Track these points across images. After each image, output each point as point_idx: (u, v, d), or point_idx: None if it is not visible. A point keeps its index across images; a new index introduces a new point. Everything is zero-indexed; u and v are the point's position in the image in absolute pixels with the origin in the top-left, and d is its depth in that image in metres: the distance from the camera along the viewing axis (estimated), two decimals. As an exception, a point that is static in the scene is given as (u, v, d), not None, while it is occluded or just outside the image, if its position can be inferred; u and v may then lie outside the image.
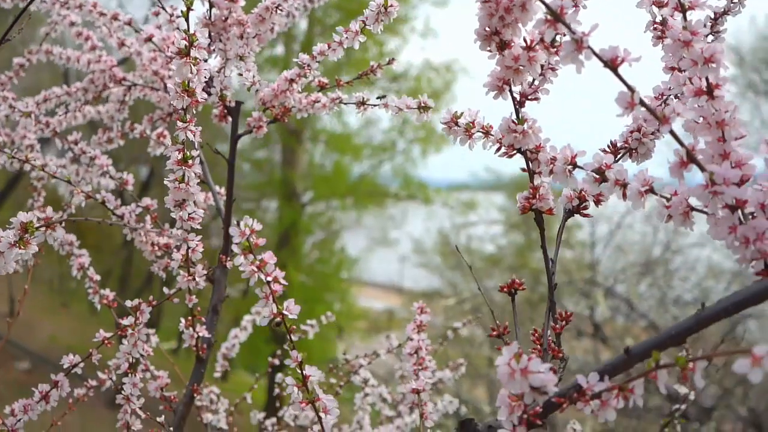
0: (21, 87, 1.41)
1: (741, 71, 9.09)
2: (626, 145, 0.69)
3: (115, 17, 1.11)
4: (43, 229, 0.68)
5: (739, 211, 0.53)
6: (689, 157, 0.52)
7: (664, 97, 0.69)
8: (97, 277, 1.10)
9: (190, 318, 0.96)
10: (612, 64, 0.51)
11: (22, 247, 0.68)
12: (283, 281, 0.63)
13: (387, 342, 1.42)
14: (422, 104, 0.83)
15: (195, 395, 0.99)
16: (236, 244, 0.61)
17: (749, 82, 9.13)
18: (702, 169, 0.51)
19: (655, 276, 6.37)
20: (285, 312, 0.63)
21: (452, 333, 1.69)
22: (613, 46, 0.51)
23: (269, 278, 0.62)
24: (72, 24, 1.22)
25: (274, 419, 1.29)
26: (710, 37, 0.73)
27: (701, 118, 0.55)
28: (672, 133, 0.51)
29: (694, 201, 0.55)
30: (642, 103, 0.51)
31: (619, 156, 0.69)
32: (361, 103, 0.95)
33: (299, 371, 0.65)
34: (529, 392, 0.51)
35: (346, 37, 0.90)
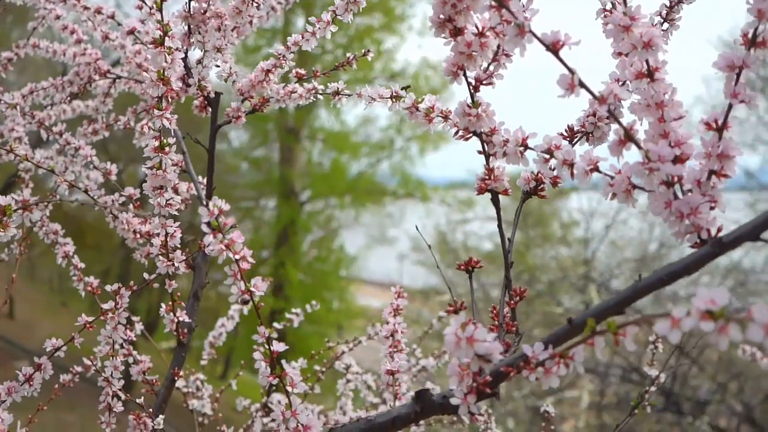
0: (19, 87, 1.43)
1: (738, 68, 9.09)
2: (582, 129, 0.71)
3: (98, 11, 1.13)
4: (21, 211, 0.71)
5: (678, 188, 0.56)
6: (627, 136, 0.54)
7: (620, 83, 0.72)
8: (82, 265, 1.13)
9: (170, 303, 0.99)
10: (553, 47, 0.54)
11: (1, 229, 0.70)
12: (250, 259, 0.66)
13: (372, 330, 1.44)
14: (394, 94, 0.86)
15: (176, 378, 1.02)
16: (205, 223, 0.64)
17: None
18: (639, 147, 0.54)
19: (651, 270, 6.39)
20: (252, 289, 0.66)
21: (438, 321, 1.72)
22: (554, 30, 0.53)
23: (237, 257, 0.65)
24: (58, 17, 1.24)
25: (258, 405, 1.32)
26: (665, 25, 0.76)
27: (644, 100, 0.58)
28: (610, 113, 0.54)
29: (636, 179, 0.58)
30: (581, 84, 0.53)
31: (576, 140, 0.72)
32: (336, 93, 0.98)
33: (267, 347, 0.68)
34: (475, 360, 0.54)
35: (319, 27, 0.93)
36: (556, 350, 0.53)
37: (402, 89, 0.81)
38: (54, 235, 1.16)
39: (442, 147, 11.85)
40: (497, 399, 0.61)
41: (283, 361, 0.68)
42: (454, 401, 0.57)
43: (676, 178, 0.54)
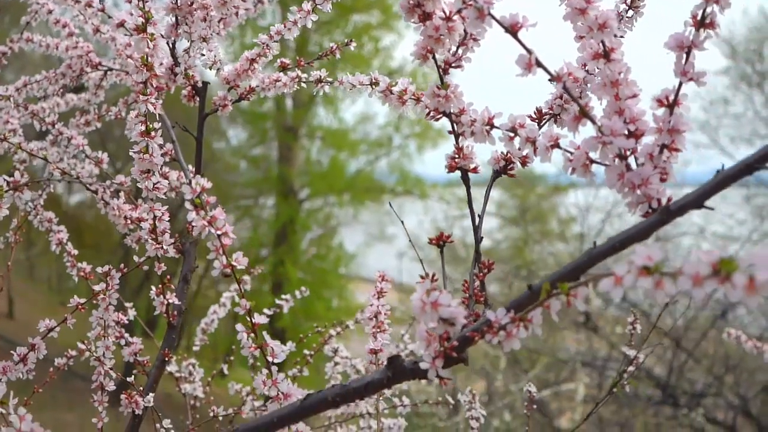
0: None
1: (734, 63, 9.14)
2: (551, 111, 0.75)
3: (89, 4, 1.16)
4: (12, 192, 0.74)
5: (633, 161, 0.59)
6: (582, 112, 0.58)
7: (586, 67, 0.75)
8: (75, 252, 1.16)
9: (160, 286, 1.02)
10: (512, 29, 0.57)
11: (-6, 209, 0.74)
12: (232, 235, 0.69)
13: (360, 315, 1.48)
14: (374, 80, 0.89)
15: (166, 359, 1.05)
16: (188, 200, 0.67)
17: (742, 73, 9.18)
18: (593, 122, 0.57)
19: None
20: (234, 263, 0.69)
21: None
22: (512, 13, 0.57)
23: (219, 232, 0.68)
24: (50, 12, 1.27)
25: (249, 388, 1.36)
26: (630, 12, 0.79)
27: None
28: (566, 90, 0.57)
29: (593, 154, 0.61)
30: (538, 63, 0.57)
31: (544, 121, 0.75)
32: (319, 81, 1.01)
33: (249, 319, 0.71)
34: (440, 324, 0.57)
35: (300, 17, 0.96)
36: (516, 314, 0.57)
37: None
38: (48, 222, 1.19)
39: (440, 144, 11.87)
40: (465, 364, 0.64)
41: (264, 333, 0.71)
42: (423, 365, 0.61)
43: (628, 152, 0.57)
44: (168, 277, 1.02)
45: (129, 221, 1.08)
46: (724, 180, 0.52)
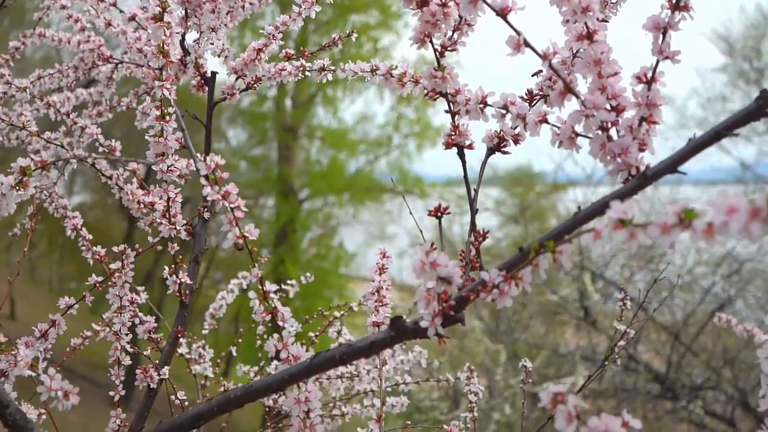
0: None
1: (731, 60, 9.19)
2: (540, 92, 0.80)
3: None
4: (39, 170, 0.80)
5: (614, 132, 0.65)
6: (567, 88, 0.63)
7: (573, 49, 0.80)
8: (90, 236, 1.21)
9: (173, 266, 1.07)
10: (503, 12, 0.62)
11: (21, 188, 0.79)
12: (244, 208, 0.74)
13: (362, 300, 1.53)
14: (374, 67, 0.94)
15: (179, 336, 1.10)
16: (203, 176, 0.72)
17: (740, 70, 9.23)
18: (577, 97, 0.63)
19: (645, 259, 6.49)
20: (246, 234, 0.74)
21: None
22: (503, -3, 0.62)
23: (233, 205, 0.73)
24: (63, 7, 1.32)
25: (257, 368, 1.41)
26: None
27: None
28: (551, 67, 0.63)
29: (578, 128, 0.66)
30: (526, 43, 0.62)
31: (535, 101, 0.80)
32: (322, 69, 1.06)
33: (260, 287, 0.76)
34: (438, 282, 0.62)
35: (304, 8, 1.01)
36: (507, 273, 0.62)
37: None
38: (63, 209, 1.24)
39: (439, 143, 11.85)
40: (462, 324, 0.69)
41: (275, 299, 0.77)
42: (423, 324, 0.66)
43: (610, 124, 0.63)
44: (180, 257, 1.08)
45: (142, 205, 1.13)
46: (695, 147, 0.58)
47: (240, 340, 1.58)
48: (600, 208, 0.61)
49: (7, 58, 1.45)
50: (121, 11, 1.23)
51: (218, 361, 1.45)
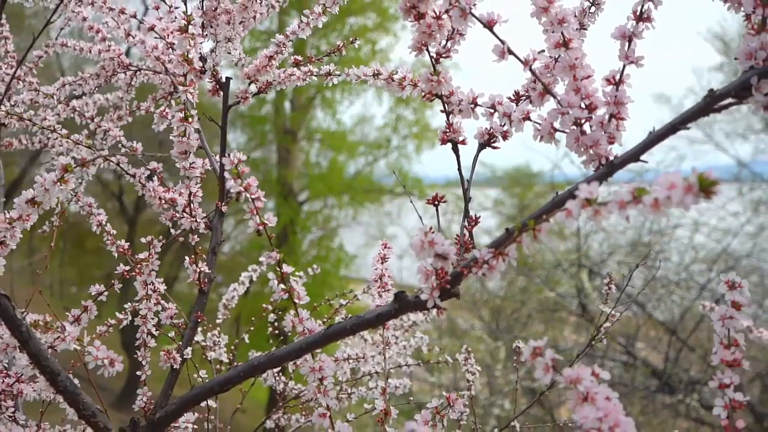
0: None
1: (727, 59, 9.29)
2: (526, 93, 0.89)
3: (122, 11, 1.31)
4: (80, 167, 0.89)
5: (587, 127, 0.74)
6: (545, 90, 0.73)
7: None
8: (113, 231, 1.31)
9: (193, 256, 1.17)
10: (489, 24, 0.72)
11: (62, 183, 0.88)
12: (263, 199, 0.84)
13: (366, 288, 1.62)
14: (375, 72, 1.04)
15: (198, 321, 1.20)
16: (227, 170, 0.82)
17: (735, 69, 9.32)
18: (554, 97, 0.72)
19: (639, 255, 6.58)
20: (266, 221, 0.84)
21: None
22: (489, 12, 0.72)
23: (254, 196, 0.83)
24: (84, 19, 1.42)
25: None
26: (592, 8, 0.94)
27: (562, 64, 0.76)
28: (532, 72, 0.72)
29: (557, 124, 0.76)
30: (510, 51, 0.72)
31: (520, 101, 0.90)
32: (328, 74, 1.16)
33: (279, 269, 0.86)
34: (436, 259, 0.72)
35: (312, 19, 1.11)
36: (495, 250, 0.71)
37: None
38: (89, 207, 1.33)
39: (438, 144, 11.95)
40: (457, 298, 0.79)
41: (291, 279, 0.86)
42: (423, 296, 0.75)
43: (583, 120, 0.72)
44: (199, 248, 1.17)
45: (163, 201, 1.22)
46: (654, 138, 0.67)
47: (252, 328, 1.68)
48: (573, 193, 0.71)
49: (32, 66, 1.55)
50: (141, 22, 1.32)
51: (232, 347, 1.55)
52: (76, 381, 0.90)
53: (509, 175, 11.49)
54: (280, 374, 1.56)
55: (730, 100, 0.66)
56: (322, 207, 12.37)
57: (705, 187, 0.48)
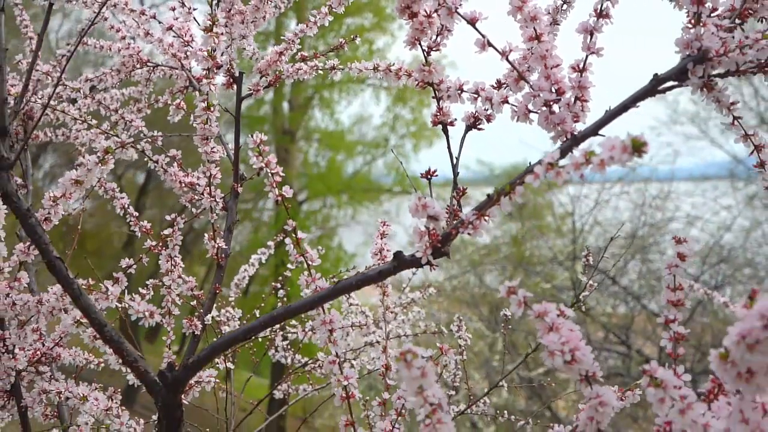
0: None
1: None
2: (506, 81, 1.02)
3: (142, 12, 1.44)
4: (120, 149, 1.02)
5: (557, 108, 0.87)
6: (519, 76, 0.86)
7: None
8: (136, 213, 1.44)
9: (212, 233, 1.29)
10: (472, 21, 0.85)
11: (103, 164, 1.01)
12: (281, 173, 0.96)
13: (367, 267, 1.75)
14: (375, 66, 1.17)
15: (216, 292, 1.32)
16: (251, 149, 0.95)
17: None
18: (528, 83, 0.85)
19: (638, 248, 6.73)
20: (284, 193, 0.97)
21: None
22: (472, 10, 0.85)
23: (273, 171, 0.96)
24: (105, 19, 1.55)
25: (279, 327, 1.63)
26: (564, 6, 1.06)
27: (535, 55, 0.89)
28: (508, 61, 0.85)
29: (531, 106, 0.89)
30: (489, 44, 0.85)
31: (502, 88, 1.02)
32: (332, 68, 1.29)
33: (294, 235, 0.99)
34: (429, 220, 0.85)
35: (319, 18, 1.24)
36: (479, 213, 0.84)
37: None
38: (112, 191, 1.46)
39: (436, 143, 12.12)
40: (448, 257, 0.91)
41: (306, 246, 0.99)
42: (417, 254, 0.88)
43: (552, 102, 0.85)
44: (212, 232, 1.30)
45: (183, 185, 1.35)
46: (610, 115, 0.80)
47: (263, 305, 1.81)
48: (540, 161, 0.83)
49: (55, 65, 1.67)
50: (160, 22, 1.45)
51: (244, 322, 1.67)
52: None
53: (507, 173, 11.62)
54: (290, 347, 1.69)
55: (672, 83, 0.79)
56: (321, 206, 12.49)
57: (637, 147, 0.61)
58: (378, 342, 1.52)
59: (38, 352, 1.19)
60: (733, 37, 0.79)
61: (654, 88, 0.79)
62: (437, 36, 0.95)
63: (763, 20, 0.83)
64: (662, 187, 8.25)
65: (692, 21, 0.79)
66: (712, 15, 0.81)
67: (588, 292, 1.50)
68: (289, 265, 1.98)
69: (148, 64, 1.56)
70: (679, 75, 0.77)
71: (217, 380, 1.56)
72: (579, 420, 0.77)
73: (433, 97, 0.98)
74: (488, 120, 1.01)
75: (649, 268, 7.23)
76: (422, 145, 12.15)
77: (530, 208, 10.96)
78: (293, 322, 1.80)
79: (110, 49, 1.59)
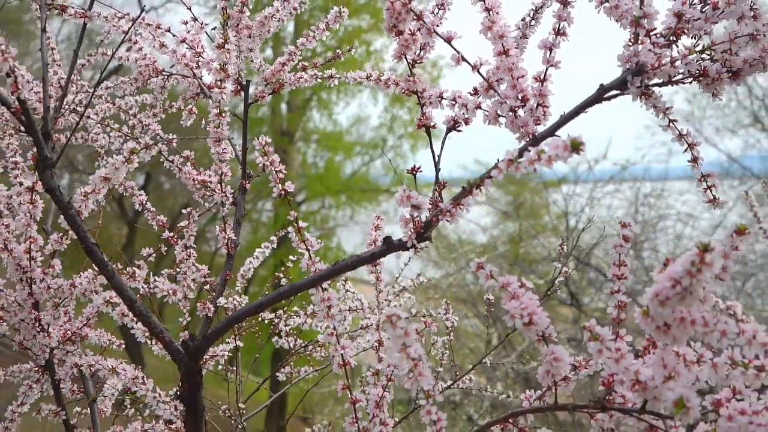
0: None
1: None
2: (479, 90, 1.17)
3: (158, 26, 1.59)
4: (144, 150, 1.17)
5: (522, 113, 1.02)
6: (489, 86, 1.01)
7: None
8: (153, 209, 1.58)
9: (222, 224, 1.44)
10: (448, 39, 1.00)
11: (128, 163, 1.16)
12: (284, 170, 1.11)
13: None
14: (368, 75, 1.32)
15: (227, 279, 1.47)
16: (256, 149, 1.10)
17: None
18: (496, 91, 1.00)
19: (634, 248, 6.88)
20: (286, 188, 1.12)
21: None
22: (448, 29, 0.99)
23: (276, 168, 1.11)
24: (124, 32, 1.69)
25: (280, 311, 1.77)
26: (533, 22, 1.21)
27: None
28: (479, 73, 1.00)
29: (500, 111, 1.04)
30: (463, 58, 1.00)
31: (479, 96, 1.17)
32: (331, 77, 1.44)
33: (296, 224, 1.14)
34: (413, 209, 1.00)
35: (317, 33, 1.39)
36: (455, 202, 0.99)
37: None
38: (131, 189, 1.61)
39: (434, 144, 12.21)
40: (430, 241, 1.06)
41: (307, 234, 1.14)
42: (404, 239, 1.03)
43: (517, 108, 1.00)
44: (223, 223, 1.45)
45: (195, 182, 1.50)
46: (565, 119, 0.95)
47: (267, 293, 1.95)
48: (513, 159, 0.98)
49: (76, 73, 1.82)
50: (174, 35, 1.60)
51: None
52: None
53: (504, 174, 11.73)
54: (292, 332, 1.84)
55: (615, 91, 0.94)
56: (320, 207, 12.63)
57: (575, 147, 0.76)
58: (372, 325, 1.67)
59: (68, 332, 1.34)
60: (669, 53, 0.94)
61: (600, 95, 0.94)
62: (420, 50, 1.10)
63: (695, 37, 0.98)
64: (656, 186, 8.42)
65: (632, 39, 0.94)
66: (651, 33, 0.97)
67: (563, 277, 1.64)
68: (291, 257, 2.13)
69: (163, 73, 1.71)
70: (621, 85, 0.92)
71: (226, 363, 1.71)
72: (539, 375, 0.92)
73: (417, 103, 1.13)
74: (466, 123, 1.16)
75: (642, 264, 7.38)
76: (420, 145, 12.29)
77: (527, 208, 11.10)
78: (295, 307, 1.95)
79: (128, 59, 1.74)
